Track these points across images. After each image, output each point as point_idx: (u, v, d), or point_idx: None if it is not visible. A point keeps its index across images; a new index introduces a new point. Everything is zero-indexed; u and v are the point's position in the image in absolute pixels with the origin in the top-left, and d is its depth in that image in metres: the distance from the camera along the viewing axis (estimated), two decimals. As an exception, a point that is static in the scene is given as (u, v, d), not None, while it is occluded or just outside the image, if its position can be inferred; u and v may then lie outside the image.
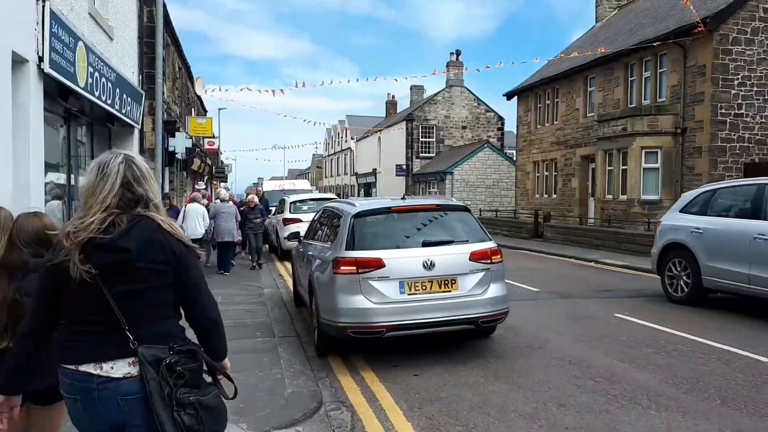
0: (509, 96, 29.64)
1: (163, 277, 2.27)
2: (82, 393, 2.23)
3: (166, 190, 17.72)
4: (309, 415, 4.82)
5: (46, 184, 8.79)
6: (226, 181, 48.30)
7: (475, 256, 6.22)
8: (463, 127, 41.82)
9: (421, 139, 41.58)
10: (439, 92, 42.34)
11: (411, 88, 50.36)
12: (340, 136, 64.69)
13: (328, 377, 5.90)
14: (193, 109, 28.69)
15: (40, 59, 6.43)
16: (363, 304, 5.93)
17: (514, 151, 44.53)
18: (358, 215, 6.40)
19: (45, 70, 6.49)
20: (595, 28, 28.74)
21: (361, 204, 6.70)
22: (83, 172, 10.73)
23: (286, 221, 16.28)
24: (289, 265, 15.29)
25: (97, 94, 8.60)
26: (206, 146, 33.60)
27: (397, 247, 6.18)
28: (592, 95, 23.73)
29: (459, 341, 6.93)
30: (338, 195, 35.24)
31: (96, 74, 8.53)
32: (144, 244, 2.23)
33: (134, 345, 2.20)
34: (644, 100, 20.44)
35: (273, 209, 18.82)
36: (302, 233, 15.59)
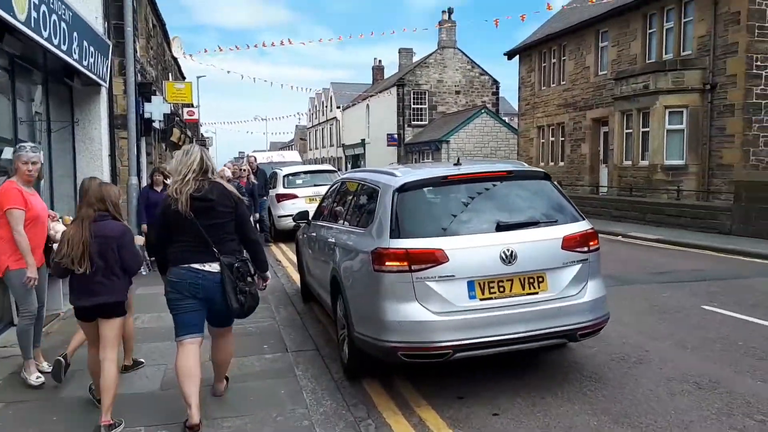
0: (510, 55, 27.70)
1: (229, 215, 3.97)
2: (192, 278, 3.88)
3: (143, 163, 15.73)
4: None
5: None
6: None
7: (569, 243, 4.51)
8: (457, 92, 39.76)
9: (413, 106, 39.48)
10: (430, 54, 40.10)
11: (399, 51, 47.88)
12: (325, 105, 62.20)
13: (372, 418, 4.19)
14: (170, 74, 26.42)
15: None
16: (420, 315, 4.21)
17: (510, 118, 42.92)
18: (403, 188, 4.62)
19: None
20: (602, -20, 26.78)
21: (405, 173, 4.91)
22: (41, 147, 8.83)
23: (280, 197, 14.42)
24: (285, 247, 13.52)
25: (45, 34, 6.65)
26: (186, 116, 31.40)
27: (462, 233, 4.44)
28: (604, 51, 21.90)
29: (528, 354, 5.26)
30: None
31: (43, 8, 6.56)
32: (219, 196, 3.92)
33: (218, 255, 3.88)
34: (666, 54, 18.67)
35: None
36: (297, 209, 14.05)
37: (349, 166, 48.35)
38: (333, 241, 5.60)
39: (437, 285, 4.24)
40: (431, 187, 4.75)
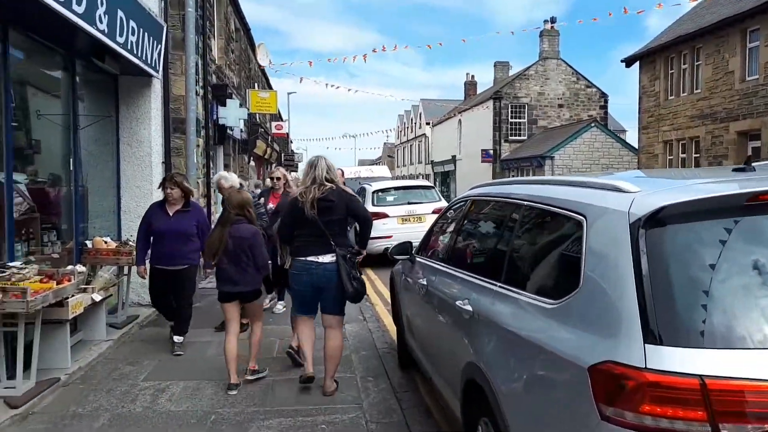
0: (629, 62, 24.31)
1: (345, 213, 4.70)
2: (307, 270, 4.63)
3: (219, 173, 13.91)
4: None
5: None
6: (296, 171, 44.90)
7: None
8: (560, 106, 36.37)
9: (510, 120, 36.46)
10: (530, 66, 37.00)
11: (495, 65, 45.14)
12: (414, 122, 60.24)
13: None
14: (257, 84, 25.03)
15: None
16: None
17: (621, 132, 39.00)
18: (658, 218, 1.99)
19: None
20: (742, -26, 23.00)
21: (642, 183, 2.27)
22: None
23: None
24: (374, 275, 11.14)
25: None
26: (273, 130, 30.12)
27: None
28: (753, 53, 18.24)
29: None
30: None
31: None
32: (338, 198, 4.65)
33: (334, 247, 4.59)
34: None
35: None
36: (389, 230, 11.49)
37: (438, 182, 45.76)
38: (469, 308, 3.03)
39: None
40: (721, 218, 2.06)
